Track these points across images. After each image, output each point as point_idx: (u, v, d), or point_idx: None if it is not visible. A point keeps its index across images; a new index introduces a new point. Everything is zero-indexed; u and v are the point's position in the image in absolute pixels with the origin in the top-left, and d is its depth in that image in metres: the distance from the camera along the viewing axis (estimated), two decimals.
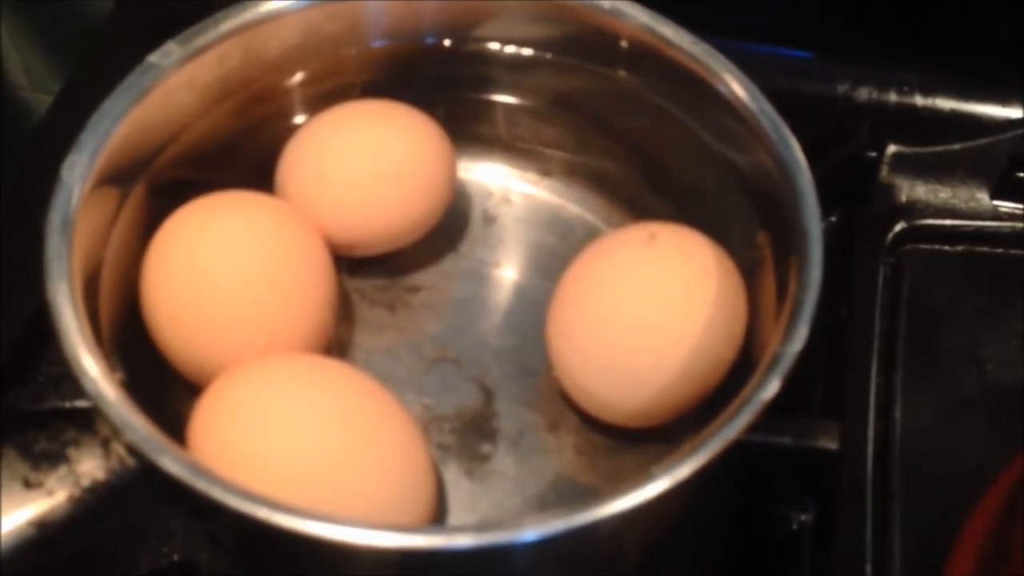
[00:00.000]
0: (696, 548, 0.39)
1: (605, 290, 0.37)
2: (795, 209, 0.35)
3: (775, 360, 0.32)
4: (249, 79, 0.40)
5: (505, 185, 0.44)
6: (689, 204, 0.41)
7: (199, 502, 0.30)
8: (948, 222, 0.43)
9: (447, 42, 0.42)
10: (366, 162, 0.40)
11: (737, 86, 0.38)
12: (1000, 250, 0.42)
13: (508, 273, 0.43)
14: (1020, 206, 0.43)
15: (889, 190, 0.43)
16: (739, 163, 0.39)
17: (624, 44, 0.40)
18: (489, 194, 0.44)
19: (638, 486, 0.30)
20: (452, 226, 0.43)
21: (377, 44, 0.42)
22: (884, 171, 0.44)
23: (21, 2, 0.62)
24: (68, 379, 0.32)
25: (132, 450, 0.31)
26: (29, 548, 0.31)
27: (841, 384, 0.39)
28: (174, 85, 0.38)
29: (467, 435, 0.39)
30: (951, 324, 0.40)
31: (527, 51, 0.42)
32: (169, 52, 0.38)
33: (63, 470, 0.32)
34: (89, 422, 0.32)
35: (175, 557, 0.36)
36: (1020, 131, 0.44)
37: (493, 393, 0.40)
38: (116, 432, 0.31)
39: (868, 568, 0.35)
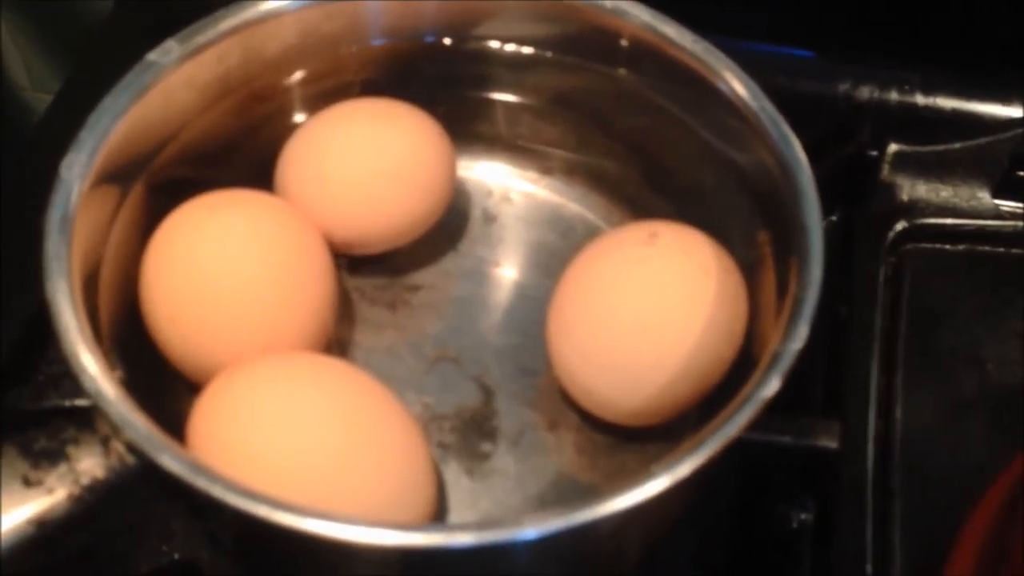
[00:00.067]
0: (696, 547, 0.39)
1: (605, 289, 0.37)
2: (796, 208, 0.35)
3: (775, 358, 0.32)
4: (249, 78, 0.40)
5: (505, 184, 0.44)
6: (690, 203, 0.41)
7: (199, 500, 0.30)
8: (949, 221, 0.43)
9: (447, 40, 0.42)
10: (366, 161, 0.40)
11: (738, 85, 0.38)
12: (1001, 249, 0.42)
13: (508, 272, 0.42)
14: (1021, 205, 0.43)
15: (890, 189, 0.43)
16: (740, 162, 0.39)
17: (625, 43, 0.40)
18: (489, 193, 0.44)
19: (638, 484, 0.30)
20: (452, 225, 0.43)
21: (377, 42, 0.42)
22: (885, 170, 0.44)
23: (22, 2, 0.62)
24: (68, 377, 0.32)
25: (132, 448, 0.31)
26: (29, 546, 0.31)
27: (841, 383, 0.39)
28: (173, 83, 0.38)
29: (467, 434, 0.39)
30: (952, 323, 0.40)
31: (527, 49, 0.42)
32: (169, 50, 0.38)
33: (63, 468, 0.32)
34: (89, 420, 0.32)
35: (175, 556, 0.36)
36: (1021, 130, 0.44)
37: (493, 392, 0.40)
38: (116, 430, 0.31)
39: (868, 567, 0.35)
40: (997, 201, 0.43)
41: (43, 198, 0.34)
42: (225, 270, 0.36)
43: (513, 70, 0.43)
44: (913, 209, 0.43)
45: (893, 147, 0.44)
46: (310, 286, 0.38)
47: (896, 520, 0.36)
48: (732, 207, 0.39)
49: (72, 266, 0.33)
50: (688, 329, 0.36)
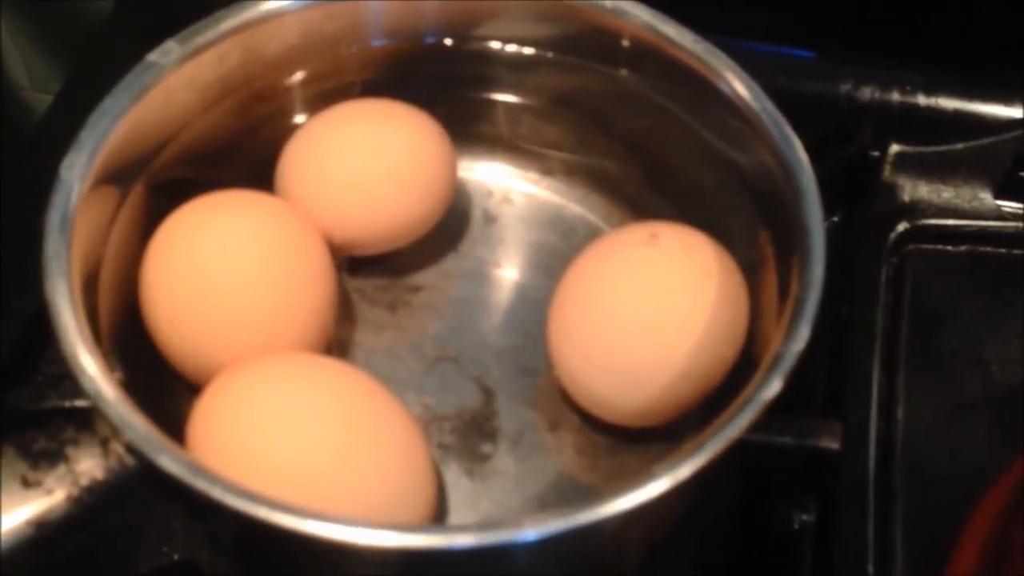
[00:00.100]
0: (697, 548, 0.39)
1: (606, 290, 0.37)
2: (797, 208, 0.35)
3: (777, 359, 0.32)
4: (249, 78, 0.40)
5: (506, 184, 0.44)
6: (691, 203, 0.41)
7: (198, 501, 0.29)
8: (951, 222, 0.43)
9: (448, 41, 0.42)
10: (366, 161, 0.40)
11: (739, 85, 0.38)
12: (1003, 250, 0.42)
13: (509, 273, 0.42)
14: (1023, 206, 0.43)
15: (892, 190, 0.43)
16: (741, 162, 0.39)
17: (626, 43, 0.40)
18: (490, 193, 0.44)
19: (639, 486, 0.30)
20: (453, 226, 0.43)
21: (377, 43, 0.42)
22: (887, 171, 0.44)
23: (22, 1, 0.62)
24: (67, 378, 0.32)
25: (131, 449, 0.31)
26: (28, 548, 0.31)
27: (843, 384, 0.39)
28: (174, 84, 0.38)
29: (467, 435, 0.39)
30: (953, 324, 0.40)
31: (528, 50, 0.42)
32: (169, 51, 0.38)
33: (62, 469, 0.32)
34: (88, 421, 0.32)
35: (175, 556, 0.36)
36: (1023, 131, 0.44)
37: (494, 392, 0.39)
38: (115, 431, 0.31)
39: (870, 568, 0.35)
40: (999, 202, 0.43)
41: (43, 198, 0.34)
42: (225, 271, 0.36)
43: (514, 70, 0.43)
44: (915, 210, 0.43)
45: (895, 148, 0.44)
46: (310, 287, 0.37)
47: (898, 521, 0.36)
48: (733, 208, 0.39)
49: (72, 267, 0.33)
50: (689, 330, 0.36)
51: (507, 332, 0.41)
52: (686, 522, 0.36)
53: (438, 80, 0.43)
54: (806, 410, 0.39)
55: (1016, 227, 0.42)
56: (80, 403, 0.32)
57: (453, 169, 0.41)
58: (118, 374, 0.33)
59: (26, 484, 0.31)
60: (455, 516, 0.37)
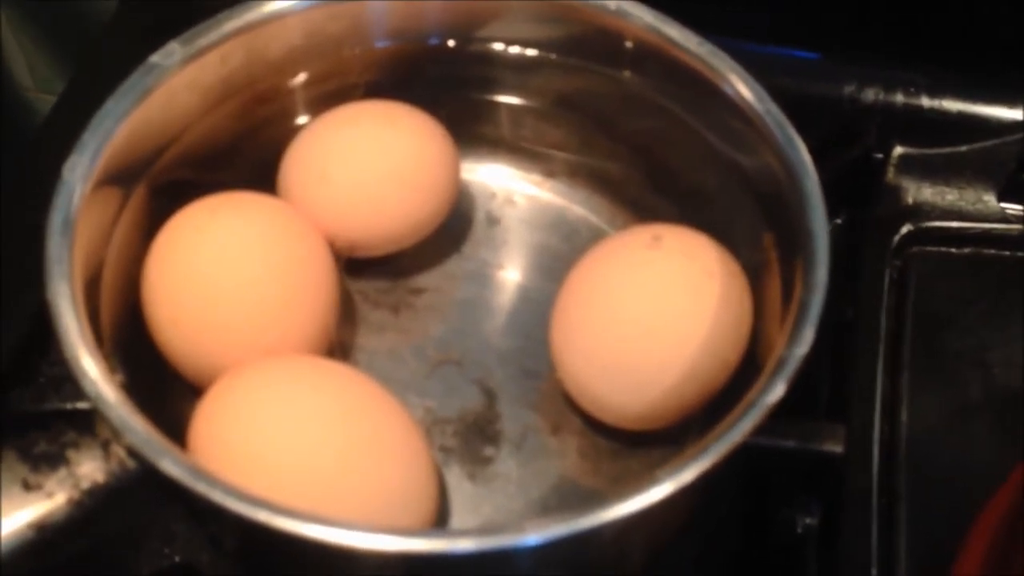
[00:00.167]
0: (700, 551, 0.39)
1: (609, 292, 0.37)
2: (801, 211, 0.35)
3: (781, 363, 0.32)
4: (252, 80, 0.40)
5: (509, 186, 0.44)
6: (694, 206, 0.41)
7: (199, 504, 0.29)
8: (955, 224, 0.42)
9: (451, 42, 0.42)
10: (369, 163, 0.40)
11: (743, 87, 0.38)
12: (1007, 253, 0.42)
13: (511, 275, 0.42)
14: None
15: (895, 192, 0.43)
16: (744, 164, 0.39)
17: (629, 45, 0.40)
18: (493, 195, 0.44)
19: (642, 490, 0.30)
20: (455, 227, 0.43)
21: (380, 44, 0.42)
22: (890, 173, 0.44)
23: (26, 2, 0.62)
24: (69, 380, 0.32)
25: (132, 452, 0.31)
26: (28, 551, 0.31)
27: (846, 387, 0.38)
28: (176, 85, 0.38)
29: (470, 438, 0.39)
30: (957, 327, 0.40)
31: (531, 52, 0.42)
32: (171, 52, 0.38)
33: (63, 472, 0.31)
34: (89, 424, 0.32)
35: (176, 559, 0.36)
36: None
37: (496, 395, 0.39)
38: (116, 434, 0.31)
39: (874, 571, 0.35)
40: (1003, 204, 0.43)
41: (45, 199, 0.34)
42: (227, 273, 0.36)
43: (517, 72, 0.43)
44: (918, 212, 0.43)
45: (899, 150, 0.44)
46: (312, 289, 0.37)
47: (902, 524, 0.36)
48: (737, 210, 0.39)
49: (74, 268, 0.33)
50: (692, 333, 0.36)
51: (510, 334, 0.41)
52: (689, 526, 0.36)
53: (441, 82, 0.43)
54: (809, 413, 0.39)
55: (1020, 229, 0.42)
56: (81, 405, 0.32)
57: (456, 171, 0.41)
58: (119, 376, 0.33)
59: (27, 487, 0.31)
60: (457, 520, 0.37)
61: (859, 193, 0.44)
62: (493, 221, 0.44)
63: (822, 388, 0.41)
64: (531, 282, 0.42)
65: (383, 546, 0.29)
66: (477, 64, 0.43)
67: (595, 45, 0.41)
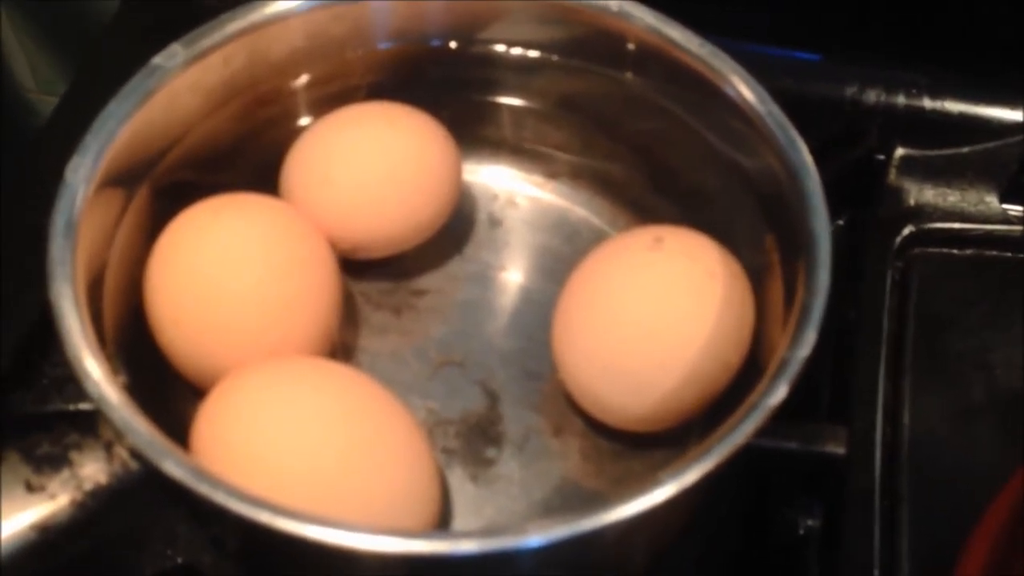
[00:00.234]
0: (702, 553, 0.39)
1: (611, 294, 0.37)
2: (803, 212, 0.35)
3: (783, 365, 0.32)
4: (254, 81, 0.40)
5: (511, 188, 0.44)
6: (696, 207, 0.41)
7: (202, 506, 0.29)
8: (957, 226, 0.42)
9: (453, 44, 0.42)
10: (371, 165, 0.40)
11: (745, 88, 0.38)
12: (1009, 254, 0.42)
13: (513, 276, 0.42)
14: None
15: (897, 193, 0.43)
16: (746, 166, 0.39)
17: (631, 46, 0.40)
18: (495, 197, 0.44)
19: (645, 492, 0.30)
20: (457, 229, 0.43)
21: (383, 46, 0.42)
22: (892, 174, 0.44)
23: (28, 3, 0.62)
24: (71, 382, 0.32)
25: (135, 453, 0.31)
26: (31, 552, 0.31)
27: (848, 388, 0.38)
28: (179, 87, 0.38)
29: (472, 439, 0.39)
30: (959, 328, 0.40)
31: (533, 53, 0.42)
32: (174, 54, 0.38)
33: (65, 474, 0.31)
34: (92, 425, 0.32)
35: (178, 560, 0.36)
36: None
37: (498, 397, 0.39)
38: (119, 435, 0.31)
39: (876, 573, 0.35)
40: (1005, 206, 0.43)
41: (47, 201, 0.34)
42: (229, 274, 0.36)
43: (518, 74, 0.43)
44: (920, 213, 0.43)
45: (900, 151, 0.44)
46: (314, 290, 0.37)
47: (904, 526, 0.35)
48: (738, 211, 0.39)
49: (76, 270, 0.33)
50: (694, 334, 0.36)
51: (512, 336, 0.41)
52: (691, 527, 0.36)
53: (443, 83, 0.43)
54: (811, 414, 0.39)
55: (1022, 231, 0.42)
56: (84, 407, 0.32)
57: (458, 172, 0.41)
58: (122, 378, 0.33)
59: (30, 488, 0.31)
60: (459, 521, 0.37)
61: (861, 194, 0.44)
62: (495, 222, 0.44)
63: (824, 390, 0.41)
64: (533, 283, 0.42)
65: (385, 548, 0.29)
66: (479, 66, 0.43)
67: (597, 46, 0.41)
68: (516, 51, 0.42)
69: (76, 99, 0.47)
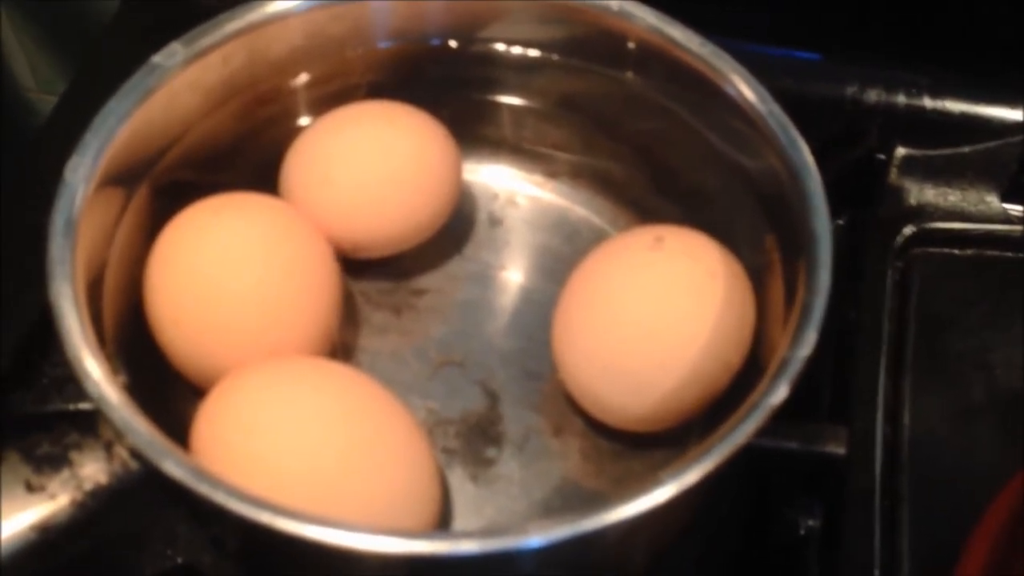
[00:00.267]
0: (702, 553, 0.39)
1: (611, 293, 0.37)
2: (804, 212, 0.35)
3: (783, 365, 0.32)
4: (254, 80, 0.40)
5: (511, 187, 0.44)
6: (696, 207, 0.41)
7: (202, 506, 0.29)
8: (957, 225, 0.42)
9: (453, 43, 0.42)
10: (371, 164, 0.40)
11: (745, 88, 0.38)
12: (1009, 254, 0.42)
13: (514, 276, 0.42)
14: None
15: (898, 193, 0.43)
16: (747, 165, 0.39)
17: (632, 46, 0.40)
18: (495, 196, 0.44)
19: (645, 492, 0.29)
20: (457, 228, 0.43)
21: (382, 45, 0.42)
22: (893, 174, 0.44)
23: (28, 2, 0.62)
24: (71, 381, 0.32)
25: (135, 453, 0.31)
26: (31, 552, 0.31)
27: (849, 388, 0.38)
28: (178, 86, 0.38)
29: (472, 439, 0.39)
30: (960, 328, 0.40)
31: (533, 52, 0.42)
32: (173, 53, 0.38)
33: (65, 474, 0.31)
34: (92, 425, 0.32)
35: (178, 560, 0.36)
36: None
37: (498, 397, 0.39)
38: (119, 435, 0.31)
39: (876, 573, 0.35)
40: (1005, 205, 0.43)
41: (47, 200, 0.34)
42: (229, 274, 0.36)
43: (519, 73, 0.43)
44: (921, 213, 0.43)
45: (901, 151, 0.44)
46: (314, 290, 0.37)
47: (904, 526, 0.35)
48: (739, 211, 0.39)
49: (76, 269, 0.33)
50: (694, 334, 0.35)
51: (512, 336, 0.41)
52: (691, 527, 0.36)
53: (443, 82, 0.43)
54: (812, 414, 0.39)
55: (1022, 230, 0.42)
56: (84, 406, 0.32)
57: (458, 172, 0.41)
58: (122, 377, 0.33)
59: (30, 488, 0.31)
60: (459, 521, 0.37)
61: (861, 194, 0.44)
62: (495, 222, 0.44)
63: (824, 390, 0.41)
64: (533, 283, 0.42)
65: (385, 548, 0.29)
66: (479, 65, 0.43)
67: (597, 46, 0.41)
68: (516, 50, 0.42)
69: (76, 98, 0.47)
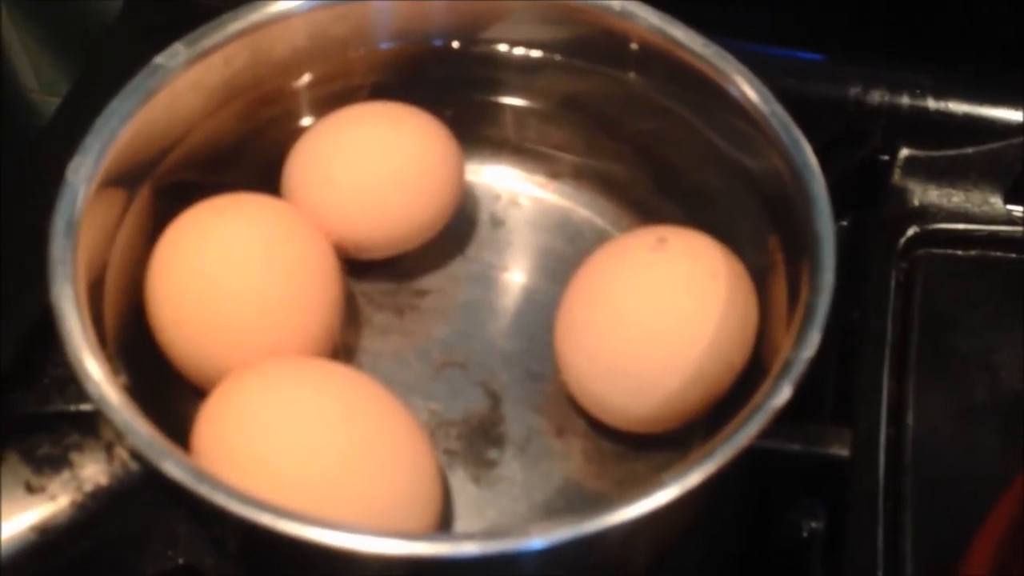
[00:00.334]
0: (705, 555, 0.39)
1: (614, 294, 0.37)
2: (807, 213, 0.35)
3: (787, 366, 0.32)
4: (256, 81, 0.40)
5: (513, 188, 0.44)
6: (699, 207, 0.41)
7: (202, 507, 0.29)
8: (961, 226, 0.42)
9: (455, 44, 0.42)
10: (373, 165, 0.40)
11: (748, 88, 0.38)
12: (1013, 255, 0.42)
13: (516, 277, 0.42)
14: None
15: (901, 194, 0.43)
16: (750, 166, 0.39)
17: (634, 46, 0.40)
18: (497, 197, 0.44)
19: (647, 493, 0.29)
20: (460, 229, 0.43)
21: (385, 46, 0.42)
22: (896, 174, 0.44)
23: (31, 4, 0.62)
24: (72, 382, 0.32)
25: (135, 454, 0.31)
26: (31, 554, 0.31)
27: (852, 389, 0.38)
28: (180, 87, 0.38)
29: (474, 440, 0.38)
30: (963, 329, 0.40)
31: (536, 53, 0.42)
32: (176, 53, 0.38)
33: (66, 475, 0.31)
34: (93, 426, 0.32)
35: (179, 561, 0.36)
36: None
37: (500, 398, 0.39)
38: (119, 436, 0.31)
39: (879, 575, 0.34)
40: (1009, 206, 0.43)
41: (48, 201, 0.34)
42: (231, 275, 0.36)
43: (521, 73, 0.43)
44: (925, 214, 0.43)
45: (904, 151, 0.44)
46: (316, 291, 0.37)
47: (908, 528, 0.35)
48: (742, 212, 0.39)
49: (77, 270, 0.33)
50: (697, 335, 0.35)
51: (514, 337, 0.41)
52: (693, 529, 0.36)
53: (445, 83, 0.43)
54: (815, 416, 0.39)
55: None
56: (84, 407, 0.32)
57: (460, 172, 0.41)
58: (123, 378, 0.33)
59: (30, 490, 0.31)
60: (461, 523, 0.37)
61: (865, 195, 0.44)
62: (497, 223, 0.43)
63: (828, 391, 0.41)
64: (535, 284, 0.42)
65: (387, 549, 0.29)
66: (481, 65, 0.43)
67: (600, 46, 0.41)
68: (519, 51, 0.42)
69: (78, 99, 0.47)
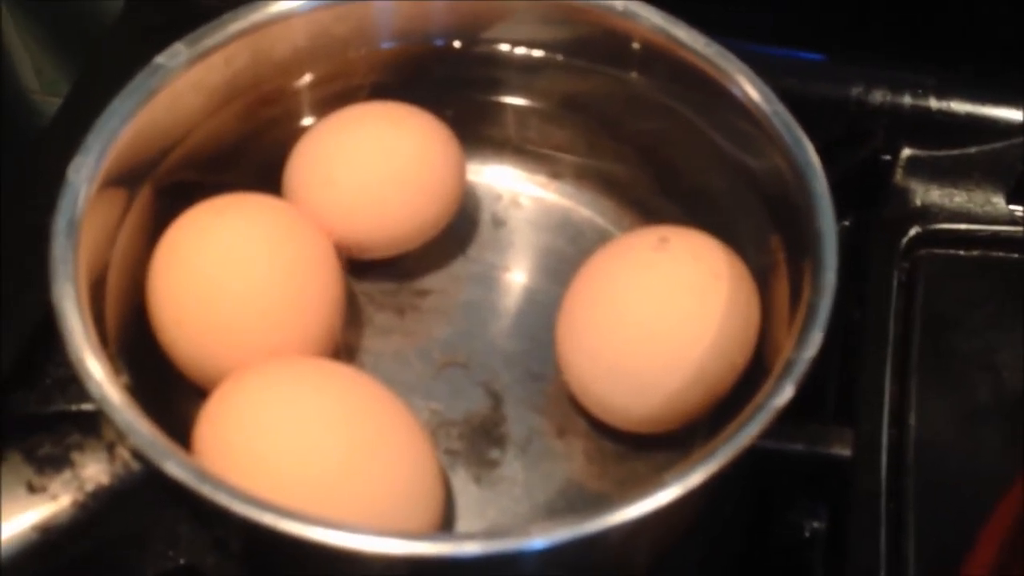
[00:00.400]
0: (706, 555, 0.39)
1: (615, 294, 0.37)
2: (809, 212, 0.35)
3: (789, 366, 0.32)
4: (257, 81, 0.40)
5: (514, 188, 0.44)
6: (701, 207, 0.41)
7: (204, 507, 0.29)
8: (963, 226, 0.42)
9: (456, 44, 0.42)
10: (374, 165, 0.40)
11: (751, 88, 0.38)
12: (1016, 255, 0.42)
13: (517, 277, 0.42)
14: None
15: (904, 194, 0.43)
16: (752, 166, 0.39)
17: (636, 46, 0.40)
18: (498, 197, 0.44)
19: (649, 493, 0.29)
20: (461, 229, 0.43)
21: (386, 46, 0.42)
22: (899, 174, 0.44)
23: (32, 4, 0.62)
24: (74, 382, 0.32)
25: (137, 454, 0.31)
26: (32, 553, 0.31)
27: (854, 390, 0.38)
28: (181, 87, 0.38)
29: (475, 440, 0.38)
30: (966, 329, 0.40)
31: (537, 53, 0.42)
32: (177, 53, 0.38)
33: (67, 474, 0.31)
34: (94, 426, 0.32)
35: (180, 561, 0.36)
36: None
37: (502, 398, 0.39)
38: (121, 436, 0.31)
39: (882, 575, 0.34)
40: (1011, 206, 0.43)
41: (49, 201, 0.34)
42: (232, 274, 0.36)
43: (523, 73, 0.43)
44: (927, 214, 0.43)
45: (907, 151, 0.44)
46: (317, 290, 0.37)
47: (910, 528, 0.35)
48: (744, 212, 0.39)
49: (79, 270, 0.33)
50: (699, 335, 0.35)
51: (515, 337, 0.41)
52: (694, 529, 0.36)
53: (446, 83, 0.43)
54: (817, 416, 0.39)
55: None
56: (86, 407, 0.32)
57: (461, 172, 0.41)
58: (124, 378, 0.33)
59: (31, 489, 0.31)
60: (462, 523, 0.37)
61: (867, 195, 0.44)
62: (499, 223, 0.43)
63: (829, 391, 0.41)
64: (537, 284, 0.42)
65: (388, 549, 0.29)
66: (483, 65, 0.43)
67: (602, 46, 0.41)
68: (520, 51, 0.42)
69: (79, 99, 0.47)
